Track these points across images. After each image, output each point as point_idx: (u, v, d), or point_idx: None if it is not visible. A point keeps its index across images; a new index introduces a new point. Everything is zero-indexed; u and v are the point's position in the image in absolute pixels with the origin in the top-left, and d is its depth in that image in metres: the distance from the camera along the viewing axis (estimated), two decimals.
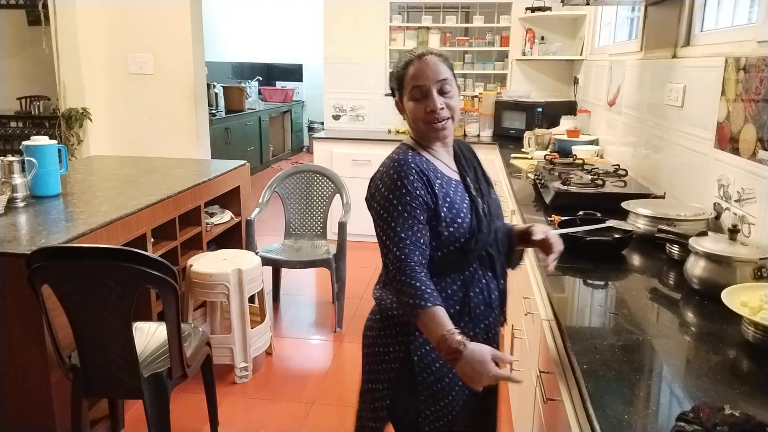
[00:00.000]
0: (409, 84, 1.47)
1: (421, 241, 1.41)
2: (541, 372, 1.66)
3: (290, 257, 3.46)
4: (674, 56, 2.70)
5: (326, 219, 3.76)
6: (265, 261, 3.40)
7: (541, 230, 1.60)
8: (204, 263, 2.92)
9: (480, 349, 1.29)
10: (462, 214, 1.48)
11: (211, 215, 3.59)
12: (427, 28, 5.31)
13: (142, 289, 2.01)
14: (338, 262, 3.42)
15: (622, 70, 3.52)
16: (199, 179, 3.22)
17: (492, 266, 1.55)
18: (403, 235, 1.39)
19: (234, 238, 3.66)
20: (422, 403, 1.54)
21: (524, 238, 1.65)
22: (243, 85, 8.45)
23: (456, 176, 1.56)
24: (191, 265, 2.90)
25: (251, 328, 2.97)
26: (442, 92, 1.46)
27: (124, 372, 2.03)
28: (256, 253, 3.37)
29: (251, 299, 3.14)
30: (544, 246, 1.58)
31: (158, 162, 3.72)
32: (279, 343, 3.37)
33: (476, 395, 1.55)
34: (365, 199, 1.53)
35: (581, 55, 4.84)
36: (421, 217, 1.42)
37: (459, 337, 1.29)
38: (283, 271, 3.94)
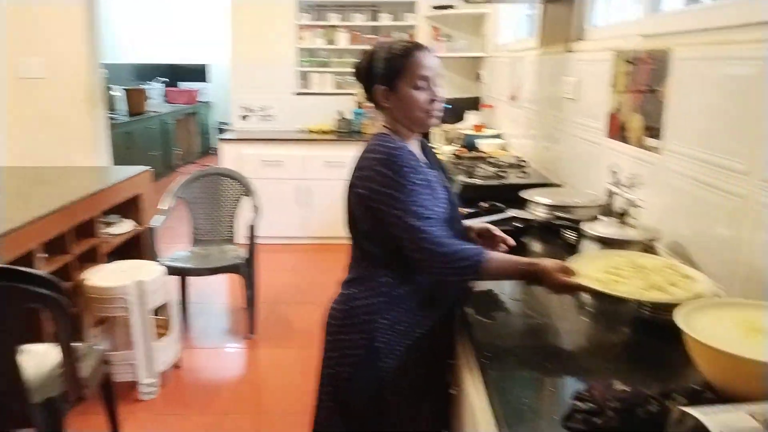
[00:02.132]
0: (416, 72, 1.48)
1: (439, 211, 1.47)
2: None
3: (198, 264, 3.32)
4: (568, 51, 2.80)
5: (235, 223, 3.64)
6: (171, 270, 3.24)
7: (486, 230, 1.70)
8: (101, 276, 2.74)
9: (551, 262, 1.40)
10: (440, 202, 1.50)
11: (110, 225, 3.39)
12: (335, 26, 5.28)
13: (27, 310, 1.86)
14: (249, 267, 3.32)
15: (523, 65, 3.63)
16: (94, 188, 3.02)
17: None
18: (419, 209, 1.42)
19: (138, 248, 3.47)
20: (384, 390, 1.55)
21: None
22: (144, 87, 8.08)
23: (425, 164, 1.59)
24: (86, 279, 2.71)
25: (157, 341, 2.82)
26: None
27: (12, 399, 1.86)
28: (160, 263, 3.21)
29: (157, 311, 2.99)
30: (493, 241, 1.66)
31: (51, 172, 3.47)
32: (189, 354, 3.22)
33: (437, 382, 1.61)
34: (349, 186, 1.53)
35: (485, 52, 4.96)
36: (427, 191, 1.46)
37: (530, 260, 1.44)
38: (193, 279, 3.79)
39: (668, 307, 1.32)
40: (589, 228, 1.70)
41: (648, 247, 1.62)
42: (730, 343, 1.02)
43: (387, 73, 1.50)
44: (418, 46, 1.51)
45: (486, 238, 1.67)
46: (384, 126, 1.58)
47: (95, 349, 2.21)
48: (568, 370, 1.25)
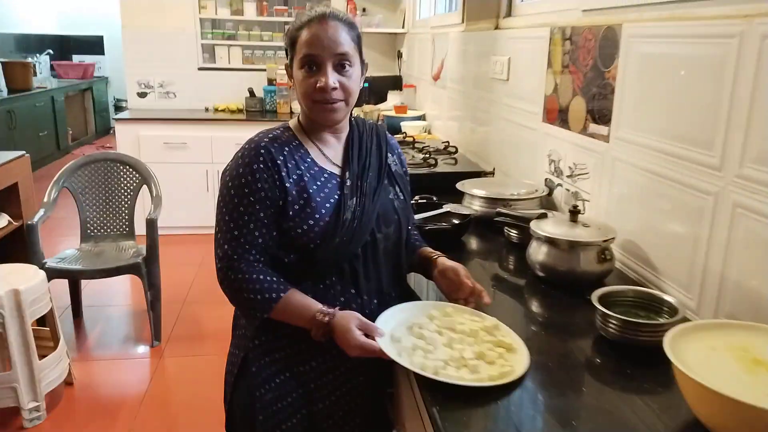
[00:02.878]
0: (303, 49, 1.21)
1: (259, 241, 1.22)
2: (388, 391, 1.44)
3: (89, 265, 2.91)
4: (497, 27, 2.62)
5: (133, 215, 3.23)
6: (57, 273, 2.83)
7: (459, 270, 1.33)
8: None
9: (346, 317, 1.18)
10: (317, 216, 1.21)
11: None
12: None
13: None
14: (150, 266, 2.95)
15: (445, 43, 3.42)
16: None
17: (355, 282, 1.28)
18: (236, 232, 1.21)
19: (18, 247, 3.00)
20: (259, 425, 1.28)
21: (420, 265, 1.44)
22: (29, 60, 7.25)
23: (334, 168, 1.29)
24: None
25: (42, 358, 2.43)
26: (339, 67, 1.22)
27: None
28: (44, 265, 2.79)
29: (40, 322, 2.59)
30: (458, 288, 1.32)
31: None
32: (83, 368, 2.83)
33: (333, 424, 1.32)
34: None
35: (404, 28, 4.73)
36: (261, 215, 1.21)
37: (328, 310, 1.19)
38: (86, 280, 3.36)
39: (639, 327, 1.18)
40: (536, 227, 1.52)
41: (603, 250, 1.46)
42: (731, 381, 0.85)
43: (287, 47, 1.28)
44: (321, 16, 1.21)
45: (449, 281, 1.33)
46: (297, 118, 1.35)
47: None
48: (527, 396, 1.05)
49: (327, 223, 1.22)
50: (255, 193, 1.20)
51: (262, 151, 1.22)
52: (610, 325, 1.20)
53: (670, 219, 1.41)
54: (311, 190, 1.23)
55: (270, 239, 1.23)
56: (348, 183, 1.27)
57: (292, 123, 1.32)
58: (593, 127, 1.73)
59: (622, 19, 1.59)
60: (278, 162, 1.22)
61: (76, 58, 8.44)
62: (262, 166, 1.20)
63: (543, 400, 1.05)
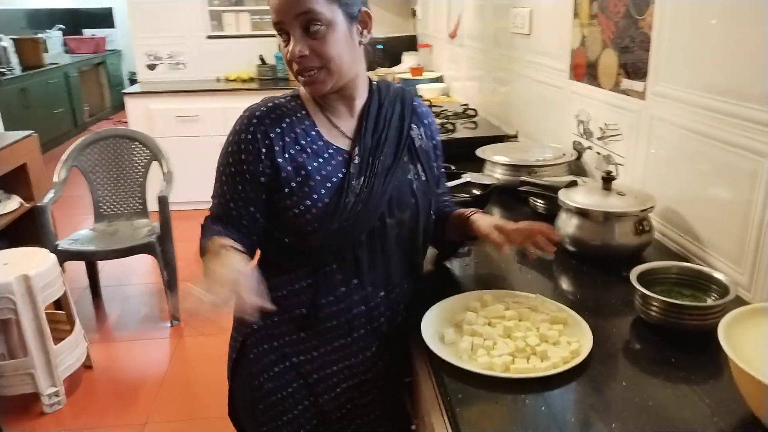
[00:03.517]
0: (272, 16, 1.06)
1: (233, 213, 1.12)
2: (406, 381, 1.34)
3: (103, 246, 2.85)
4: None
5: (145, 192, 3.15)
6: (70, 255, 2.78)
7: (487, 224, 1.18)
8: None
9: (238, 259, 1.00)
10: (315, 196, 1.07)
11: None
12: None
13: None
14: (164, 245, 2.88)
15: None
16: None
17: (358, 272, 1.14)
18: (216, 200, 1.15)
19: (30, 229, 2.96)
20: (260, 414, 1.20)
21: (456, 227, 1.27)
22: (40, 35, 7.16)
23: (344, 142, 1.13)
24: None
25: (59, 342, 2.39)
26: (306, 31, 1.03)
27: None
28: (56, 247, 2.73)
29: (57, 305, 2.54)
30: (501, 239, 1.15)
31: None
32: (102, 350, 2.80)
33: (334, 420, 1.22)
34: None
35: None
36: (239, 188, 1.11)
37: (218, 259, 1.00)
38: None
39: (684, 310, 1.05)
40: (565, 197, 1.38)
41: (641, 220, 1.31)
42: None
43: None
44: None
45: (506, 233, 1.15)
46: None
47: None
48: (559, 392, 0.94)
49: (326, 205, 1.08)
50: (237, 165, 1.10)
51: (255, 121, 1.09)
52: (652, 307, 1.07)
53: (716, 184, 1.26)
54: (310, 167, 1.09)
55: (246, 214, 1.12)
56: (356, 160, 1.11)
57: (302, 91, 1.16)
58: (627, 83, 1.56)
59: None
60: (270, 135, 1.08)
61: (87, 32, 8.32)
62: (250, 137, 1.08)
63: (578, 397, 0.94)
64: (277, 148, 1.08)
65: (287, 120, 1.11)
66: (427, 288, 1.28)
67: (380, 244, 1.14)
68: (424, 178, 1.19)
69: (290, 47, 1.04)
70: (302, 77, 1.07)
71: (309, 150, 1.10)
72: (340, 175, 1.11)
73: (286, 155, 1.08)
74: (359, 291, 1.15)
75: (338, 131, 1.14)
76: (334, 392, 1.21)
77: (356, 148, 1.13)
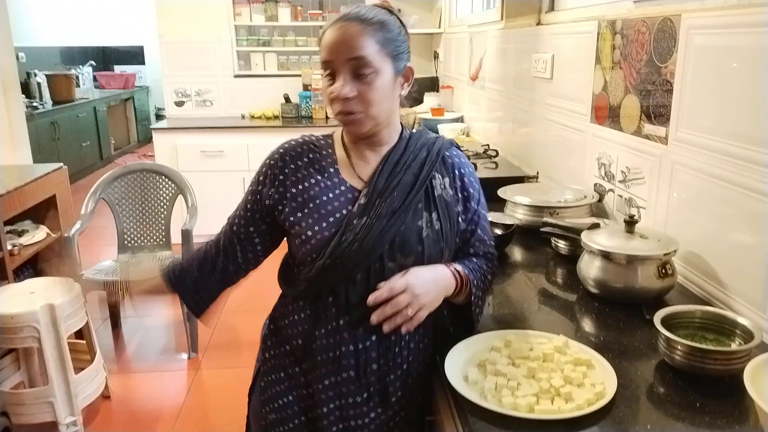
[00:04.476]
0: (321, 55, 1.11)
1: (234, 228, 1.22)
2: (427, 419, 1.33)
3: (126, 277, 2.89)
4: (539, 23, 2.49)
5: (169, 225, 3.21)
6: (94, 285, 2.82)
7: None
8: (4, 301, 2.30)
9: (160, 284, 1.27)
10: (317, 227, 1.10)
11: (21, 234, 2.93)
12: (276, 1, 4.81)
13: None
14: None
15: (483, 41, 3.30)
16: None
17: (348, 310, 1.13)
18: (234, 222, 1.23)
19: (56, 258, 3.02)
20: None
21: None
22: (73, 71, 7.41)
23: (358, 183, 1.15)
24: None
25: (79, 372, 2.41)
26: (356, 75, 1.06)
27: None
28: (80, 277, 2.78)
29: (77, 334, 2.57)
30: None
31: None
32: (121, 380, 2.81)
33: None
34: None
35: (440, 27, 4.61)
36: (248, 206, 1.21)
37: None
38: None
39: (708, 355, 1.04)
40: (588, 239, 1.39)
41: (665, 264, 1.32)
42: None
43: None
44: (339, 17, 1.09)
45: None
46: None
47: None
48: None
49: (324, 239, 1.10)
50: (254, 185, 1.20)
51: (281, 150, 1.19)
52: (676, 351, 1.07)
53: (739, 229, 1.27)
54: (318, 201, 1.13)
55: (242, 233, 1.21)
56: (362, 200, 1.12)
57: (337, 133, 1.23)
58: (649, 128, 1.59)
59: (680, 9, 1.44)
60: (291, 166, 1.16)
61: (118, 69, 8.59)
62: (272, 162, 1.18)
63: None
64: (293, 178, 1.15)
65: (311, 155, 1.17)
66: (447, 328, 1.29)
67: (375, 286, 1.10)
68: (438, 227, 1.14)
69: (336, 86, 1.07)
70: (344, 117, 1.10)
71: (323, 184, 1.15)
72: (344, 211, 1.13)
73: (303, 185, 1.14)
74: (348, 329, 1.13)
75: (354, 172, 1.16)
76: (336, 427, 1.19)
77: (365, 189, 1.14)
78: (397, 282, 1.08)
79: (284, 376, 1.23)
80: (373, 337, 1.14)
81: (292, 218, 1.13)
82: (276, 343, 1.25)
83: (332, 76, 1.09)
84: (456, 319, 1.23)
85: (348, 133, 1.16)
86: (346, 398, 1.17)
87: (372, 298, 1.08)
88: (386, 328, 1.08)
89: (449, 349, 1.15)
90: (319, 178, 1.15)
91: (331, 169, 1.16)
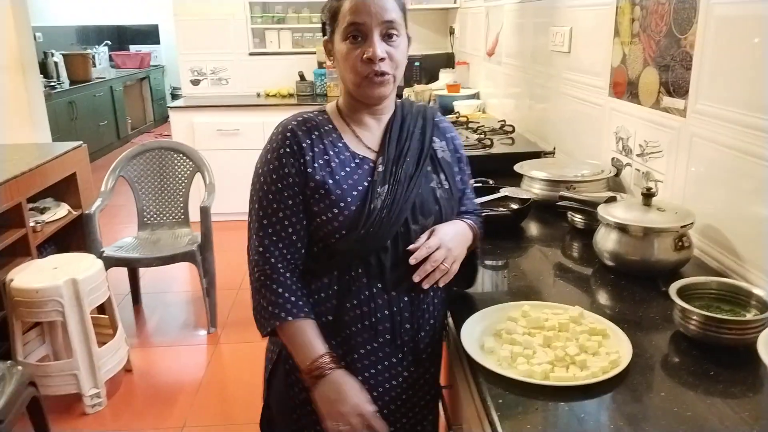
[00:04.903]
0: (346, 17, 1.10)
1: (289, 230, 1.15)
2: (442, 387, 1.36)
3: (146, 253, 2.94)
4: None
5: (187, 202, 3.25)
6: (115, 261, 2.87)
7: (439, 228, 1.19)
8: (28, 276, 2.36)
9: (349, 379, 1.13)
10: (342, 204, 1.12)
11: (43, 211, 2.98)
12: None
13: None
14: (204, 253, 2.96)
15: (500, 16, 3.26)
16: (17, 170, 2.61)
17: (381, 276, 1.16)
18: (265, 222, 1.15)
19: (77, 235, 3.07)
20: (294, 423, 1.25)
21: None
22: (89, 51, 7.45)
23: (369, 153, 1.19)
24: (11, 280, 2.33)
25: (102, 346, 2.47)
26: (386, 37, 1.11)
27: None
28: (102, 253, 2.83)
29: (100, 309, 2.63)
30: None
31: None
32: (142, 355, 2.88)
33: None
34: None
35: (455, 2, 4.56)
36: (290, 202, 1.14)
37: (329, 360, 1.12)
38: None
39: (723, 324, 1.05)
40: (605, 212, 1.39)
41: (681, 236, 1.32)
42: None
43: (327, 20, 1.17)
44: None
45: None
46: (336, 102, 1.25)
47: (16, 370, 1.86)
48: (598, 401, 0.95)
49: (353, 212, 1.12)
50: (283, 179, 1.13)
51: (288, 134, 1.14)
52: (691, 321, 1.08)
53: (756, 201, 1.26)
54: (338, 177, 1.13)
55: (301, 228, 1.15)
56: (380, 168, 1.16)
57: (329, 107, 1.23)
58: (668, 101, 1.58)
59: None
60: (303, 146, 1.13)
61: (133, 48, 8.61)
62: (288, 150, 1.13)
63: (616, 406, 0.95)
64: (308, 157, 1.13)
65: (316, 132, 1.16)
66: (465, 299, 1.31)
67: (404, 249, 1.16)
68: (447, 187, 1.23)
69: (369, 48, 1.09)
70: (373, 78, 1.11)
71: (336, 160, 1.15)
72: (365, 183, 1.15)
73: (316, 165, 1.13)
74: (382, 295, 1.17)
75: (362, 143, 1.19)
76: (376, 393, 1.21)
77: (380, 158, 1.18)
78: (431, 240, 1.15)
79: None
80: (406, 298, 1.18)
81: (316, 196, 1.13)
82: None
83: (354, 39, 1.10)
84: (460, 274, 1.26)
85: (370, 97, 1.15)
86: (382, 362, 1.19)
87: (413, 259, 1.13)
88: (426, 284, 1.15)
89: (466, 318, 1.16)
90: (332, 153, 1.15)
91: (340, 144, 1.17)
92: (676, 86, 1.53)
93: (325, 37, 1.19)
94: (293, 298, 1.13)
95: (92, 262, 2.50)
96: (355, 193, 1.13)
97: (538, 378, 0.98)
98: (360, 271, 1.16)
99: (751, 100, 1.26)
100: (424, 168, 1.19)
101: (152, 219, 3.24)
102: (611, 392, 0.97)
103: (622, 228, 1.35)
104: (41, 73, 5.16)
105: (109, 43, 8.33)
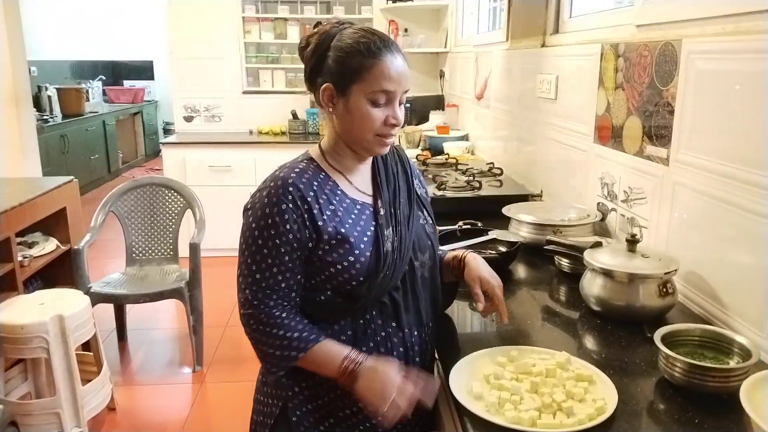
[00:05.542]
0: (377, 83, 1.11)
1: (282, 285, 1.15)
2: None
3: (133, 290, 2.93)
4: (543, 45, 2.54)
5: (177, 239, 3.25)
6: (102, 297, 2.85)
7: (474, 273, 1.29)
8: (14, 311, 2.34)
9: (380, 360, 1.13)
10: (357, 252, 1.14)
11: (31, 245, 2.97)
12: (285, 19, 4.91)
13: None
14: (192, 290, 2.95)
15: (489, 61, 3.35)
16: (6, 204, 2.61)
17: (396, 315, 1.20)
18: (258, 276, 1.14)
19: (65, 270, 3.05)
20: None
21: (454, 268, 1.36)
22: (83, 85, 7.51)
23: (366, 198, 1.22)
24: None
25: (86, 384, 2.43)
26: (399, 102, 1.18)
27: None
28: (89, 289, 2.82)
29: (85, 346, 2.60)
30: (480, 298, 1.28)
31: None
32: (126, 393, 2.84)
33: None
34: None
35: (446, 47, 4.68)
36: (286, 258, 1.13)
37: (354, 356, 1.13)
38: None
39: (707, 372, 1.07)
40: (591, 258, 1.42)
41: (665, 283, 1.34)
42: None
43: (340, 70, 1.13)
44: (389, 46, 1.14)
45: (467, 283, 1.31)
46: (318, 146, 1.25)
47: None
48: None
49: (368, 258, 1.15)
50: (282, 236, 1.12)
51: (290, 189, 1.12)
52: (676, 368, 1.09)
53: (737, 248, 1.30)
54: (347, 225, 1.16)
55: (294, 283, 1.15)
56: (381, 212, 1.20)
57: (314, 152, 1.23)
58: (651, 149, 1.62)
59: (681, 34, 1.48)
60: (308, 199, 1.13)
61: (127, 83, 8.70)
62: (291, 205, 1.12)
63: None
64: (315, 211, 1.13)
65: (315, 183, 1.16)
66: (453, 341, 1.32)
67: (411, 286, 1.22)
68: (431, 222, 1.32)
69: (394, 114, 1.15)
70: (388, 139, 1.17)
71: (341, 208, 1.17)
72: (371, 227, 1.18)
73: (325, 217, 1.14)
74: (397, 333, 1.21)
75: (356, 188, 1.22)
76: None
77: (379, 201, 1.22)
78: (495, 279, 1.29)
79: (322, 403, 1.21)
80: (416, 332, 1.23)
81: (327, 248, 1.13)
82: (311, 373, 1.19)
83: (378, 103, 1.14)
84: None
85: (375, 153, 1.21)
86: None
87: (506, 317, 1.28)
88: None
89: (454, 361, 1.17)
90: (335, 202, 1.17)
91: (338, 192, 1.19)
92: (658, 135, 1.58)
93: (326, 84, 1.15)
94: (296, 334, 1.13)
95: (79, 298, 2.48)
96: (365, 238, 1.16)
97: (525, 425, 0.99)
98: (374, 312, 1.19)
99: (730, 150, 1.31)
100: (413, 207, 1.27)
101: (141, 255, 3.23)
102: None
103: (607, 273, 1.38)
104: (34, 107, 5.20)
105: (104, 77, 8.41)
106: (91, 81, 8.14)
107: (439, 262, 1.36)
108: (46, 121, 6.15)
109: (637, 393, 1.11)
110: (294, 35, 4.90)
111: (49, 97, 6.63)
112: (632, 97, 1.72)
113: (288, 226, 1.12)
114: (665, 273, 1.33)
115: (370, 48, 1.12)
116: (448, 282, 1.39)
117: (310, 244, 1.13)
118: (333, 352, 1.13)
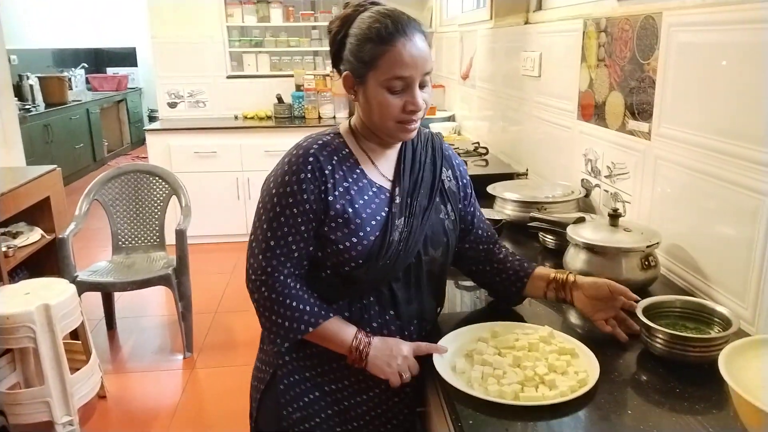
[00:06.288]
0: (391, 70, 1.08)
1: (295, 255, 1.15)
2: (418, 410, 1.36)
3: (120, 278, 2.91)
4: (527, 22, 2.52)
5: (163, 226, 3.23)
6: (88, 286, 2.83)
7: (587, 302, 1.22)
8: (0, 302, 2.32)
9: (386, 342, 1.16)
10: (361, 234, 1.13)
11: (15, 236, 2.94)
12: (268, 1, 4.84)
13: None
14: (180, 277, 2.94)
15: (474, 40, 3.33)
16: None
17: (395, 305, 1.20)
18: (273, 243, 1.14)
19: (51, 260, 3.03)
20: None
21: (557, 290, 1.27)
22: (65, 74, 7.41)
23: (385, 182, 1.20)
24: None
25: (75, 372, 2.43)
26: (422, 85, 1.12)
27: None
28: (75, 278, 2.80)
29: (73, 335, 2.59)
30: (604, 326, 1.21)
31: None
32: (116, 381, 2.83)
33: None
34: None
35: (431, 27, 4.64)
36: (302, 228, 1.13)
37: (361, 337, 1.15)
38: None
39: (688, 342, 1.08)
40: (574, 233, 1.42)
41: (647, 256, 1.35)
42: None
43: (355, 59, 1.11)
44: (404, 29, 1.08)
45: (596, 299, 1.20)
46: (349, 122, 1.23)
47: None
48: (567, 420, 0.97)
49: (371, 242, 1.13)
50: (299, 204, 1.12)
51: (311, 159, 1.13)
52: (657, 339, 1.10)
53: (719, 221, 1.30)
54: (357, 205, 1.14)
55: (307, 253, 1.15)
56: (397, 200, 1.17)
57: (343, 128, 1.22)
58: (633, 124, 1.62)
59: (661, 7, 1.48)
60: (326, 172, 1.13)
61: (110, 71, 8.59)
62: (309, 175, 1.12)
63: (585, 425, 0.96)
64: (329, 185, 1.13)
65: (335, 157, 1.15)
66: (438, 320, 1.32)
67: (415, 279, 1.21)
68: (454, 218, 1.26)
69: (412, 100, 1.09)
70: (408, 125, 1.12)
71: (355, 188, 1.15)
72: (383, 213, 1.16)
73: (336, 193, 1.13)
74: (395, 322, 1.21)
75: (377, 171, 1.20)
76: (363, 420, 1.25)
77: (397, 189, 1.19)
78: (619, 286, 1.20)
79: (310, 375, 1.23)
80: (415, 321, 1.23)
81: (333, 224, 1.13)
82: (301, 346, 1.21)
83: (395, 89, 1.09)
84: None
85: (399, 140, 1.18)
86: (386, 382, 1.19)
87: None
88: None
89: (437, 340, 1.18)
90: (351, 181, 1.15)
91: (357, 170, 1.17)
92: (640, 110, 1.58)
93: (346, 72, 1.14)
94: (308, 308, 1.14)
95: (65, 287, 2.46)
96: (373, 222, 1.15)
97: (508, 398, 0.99)
98: (372, 299, 1.19)
99: (710, 123, 1.31)
100: (435, 200, 1.22)
101: (127, 242, 3.21)
102: (580, 411, 0.98)
103: (590, 248, 1.38)
104: (16, 96, 5.12)
105: (86, 65, 8.30)
106: (73, 69, 8.03)
107: (524, 274, 1.29)
108: (29, 110, 6.06)
109: (619, 365, 1.12)
110: (277, 18, 4.84)
111: (31, 86, 6.53)
112: (614, 72, 1.72)
113: (305, 196, 1.12)
114: (647, 246, 1.34)
115: (381, 34, 1.07)
116: (531, 296, 1.32)
117: (322, 216, 1.13)
118: (341, 332, 1.15)
